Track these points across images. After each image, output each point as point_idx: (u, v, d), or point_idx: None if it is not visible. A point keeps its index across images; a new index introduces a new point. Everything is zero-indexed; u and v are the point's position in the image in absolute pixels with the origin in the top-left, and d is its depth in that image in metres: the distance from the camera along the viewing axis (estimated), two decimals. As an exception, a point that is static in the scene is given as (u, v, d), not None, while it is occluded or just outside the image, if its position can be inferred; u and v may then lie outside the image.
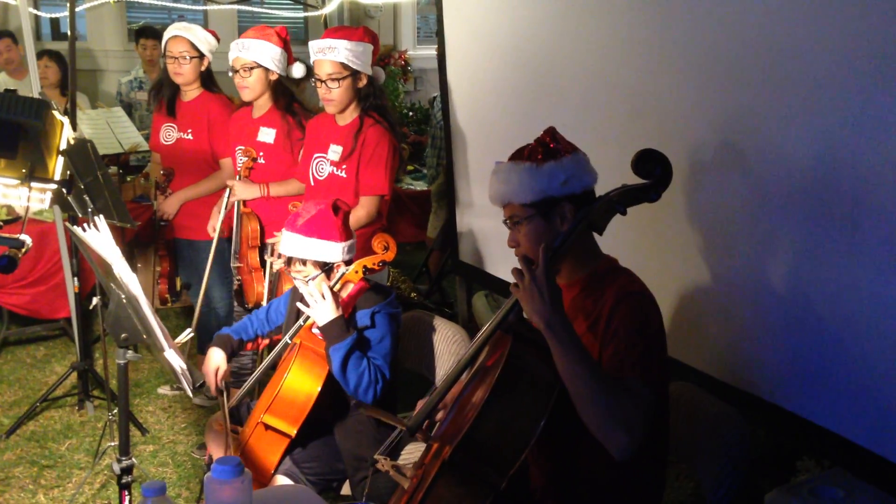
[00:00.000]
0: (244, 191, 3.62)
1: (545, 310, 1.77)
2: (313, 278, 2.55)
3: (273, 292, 3.57)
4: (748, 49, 2.30)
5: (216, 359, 2.68)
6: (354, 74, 3.18)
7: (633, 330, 1.84)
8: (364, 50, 3.19)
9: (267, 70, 3.60)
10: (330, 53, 3.16)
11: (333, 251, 2.56)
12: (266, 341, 2.90)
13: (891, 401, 2.03)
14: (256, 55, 3.56)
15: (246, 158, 3.62)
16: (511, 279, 1.85)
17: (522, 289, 1.80)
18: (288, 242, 2.58)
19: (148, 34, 6.24)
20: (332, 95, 3.20)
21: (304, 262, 2.57)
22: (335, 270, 2.58)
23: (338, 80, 3.16)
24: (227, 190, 3.70)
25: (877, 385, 2.05)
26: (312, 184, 3.37)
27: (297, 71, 3.68)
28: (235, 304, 3.82)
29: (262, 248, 3.66)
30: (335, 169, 3.28)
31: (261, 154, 3.68)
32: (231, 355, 2.74)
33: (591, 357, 1.80)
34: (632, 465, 1.78)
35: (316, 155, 3.36)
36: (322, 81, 3.19)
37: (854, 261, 2.07)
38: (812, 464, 2.90)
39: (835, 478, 2.35)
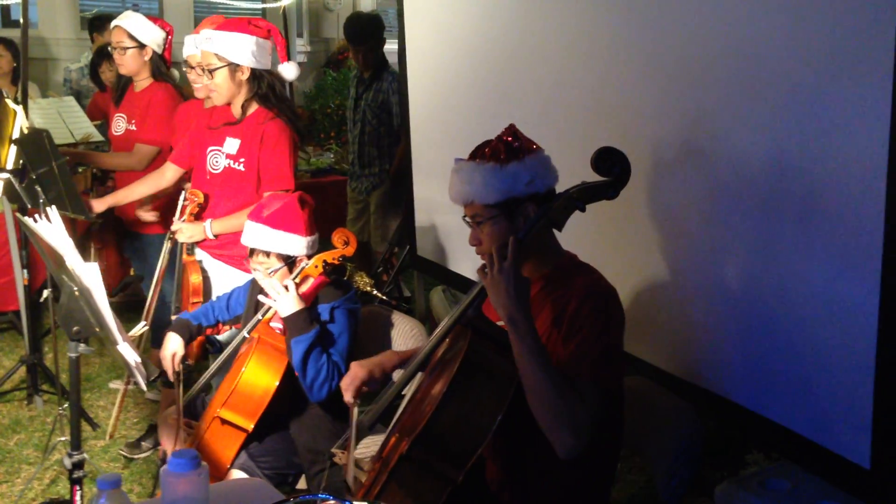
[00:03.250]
0: (189, 234, 3.18)
1: (509, 303, 1.78)
2: (276, 271, 2.55)
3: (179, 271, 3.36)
4: (706, 51, 2.34)
5: (173, 344, 2.65)
6: (231, 66, 3.07)
7: (596, 329, 1.86)
8: (246, 43, 3.06)
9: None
10: (205, 44, 3.07)
11: (298, 244, 2.56)
12: (227, 327, 2.86)
13: (835, 394, 2.08)
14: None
15: (192, 205, 3.20)
16: (473, 276, 1.85)
17: (490, 278, 1.80)
18: (252, 233, 2.56)
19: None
20: (212, 86, 3.10)
21: (267, 254, 2.56)
22: (297, 264, 2.58)
23: (211, 70, 3.06)
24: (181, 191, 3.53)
25: (823, 379, 2.11)
26: (208, 177, 3.24)
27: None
28: None
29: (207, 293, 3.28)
30: (232, 162, 3.17)
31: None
32: (189, 340, 2.71)
33: (548, 356, 1.81)
34: (587, 458, 1.81)
35: (211, 148, 3.23)
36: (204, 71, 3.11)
37: (803, 258, 2.12)
38: (761, 457, 2.96)
39: (782, 470, 2.41)
